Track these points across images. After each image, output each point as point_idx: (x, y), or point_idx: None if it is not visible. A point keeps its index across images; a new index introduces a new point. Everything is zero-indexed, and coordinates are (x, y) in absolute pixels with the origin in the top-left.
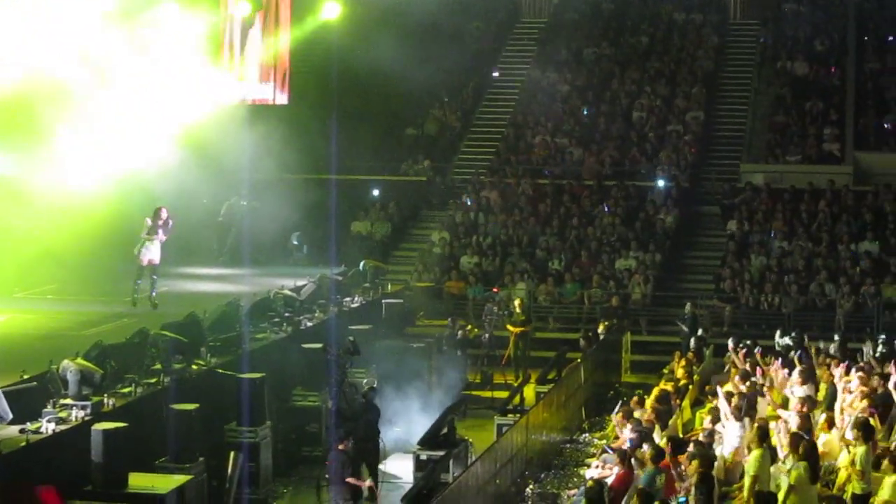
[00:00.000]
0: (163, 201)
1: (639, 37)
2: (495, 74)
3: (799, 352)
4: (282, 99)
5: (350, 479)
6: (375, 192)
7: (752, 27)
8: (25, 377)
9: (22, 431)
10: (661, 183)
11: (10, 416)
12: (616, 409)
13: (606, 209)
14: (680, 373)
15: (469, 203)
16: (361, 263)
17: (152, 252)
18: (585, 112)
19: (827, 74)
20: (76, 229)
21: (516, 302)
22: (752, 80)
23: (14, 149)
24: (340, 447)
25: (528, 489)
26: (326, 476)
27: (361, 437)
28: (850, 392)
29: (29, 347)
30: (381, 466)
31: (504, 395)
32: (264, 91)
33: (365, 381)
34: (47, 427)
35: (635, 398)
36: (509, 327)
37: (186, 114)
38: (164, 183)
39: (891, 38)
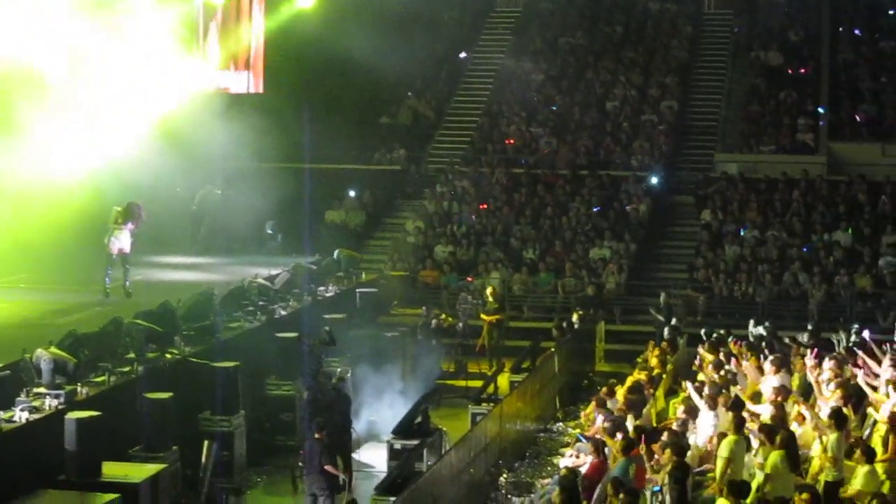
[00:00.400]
0: (137, 191)
1: (613, 26)
2: (463, 55)
3: (772, 342)
4: (256, 87)
5: (328, 467)
6: (351, 190)
7: (727, 17)
8: (1, 366)
9: None
10: (633, 174)
11: None
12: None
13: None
14: (654, 362)
15: (443, 191)
16: (336, 252)
17: (122, 241)
18: (555, 108)
19: (801, 65)
20: (50, 219)
21: (489, 290)
22: (727, 70)
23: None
24: (317, 436)
25: (502, 478)
26: (301, 465)
27: (334, 427)
28: (823, 382)
29: (2, 336)
30: (354, 455)
31: (478, 384)
32: (239, 80)
33: (339, 369)
34: (20, 416)
35: (605, 388)
36: (483, 316)
37: (161, 103)
38: (139, 172)
39: (857, 32)
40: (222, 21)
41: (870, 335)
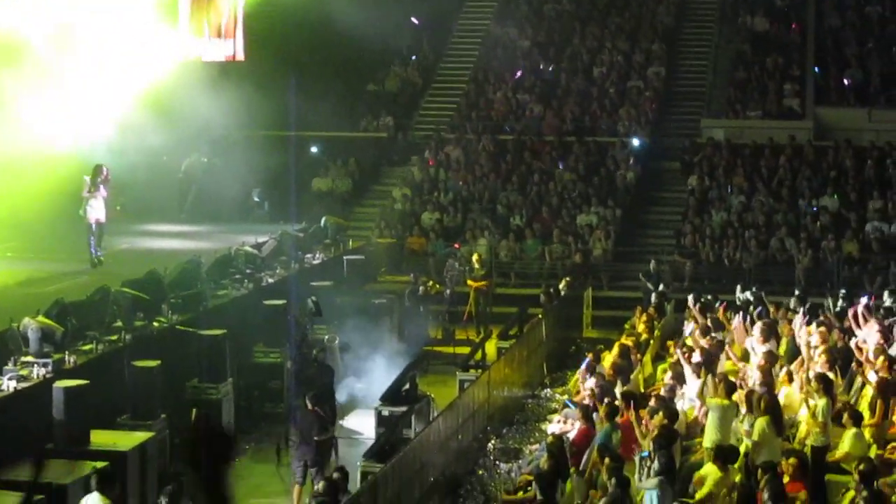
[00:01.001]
0: (124, 160)
1: None
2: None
3: (759, 307)
4: (239, 55)
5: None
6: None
7: None
8: None
9: None
10: (620, 140)
11: None
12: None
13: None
14: (641, 328)
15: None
16: (323, 220)
17: (97, 210)
18: (548, 75)
19: (787, 30)
20: (38, 189)
21: (475, 257)
22: (713, 36)
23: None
24: (310, 409)
25: (490, 444)
26: (290, 438)
27: (322, 400)
28: (811, 347)
29: None
30: (341, 422)
31: (466, 350)
32: (223, 48)
33: (325, 337)
34: (8, 385)
35: (592, 354)
36: (469, 282)
37: (146, 73)
38: (125, 142)
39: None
40: None
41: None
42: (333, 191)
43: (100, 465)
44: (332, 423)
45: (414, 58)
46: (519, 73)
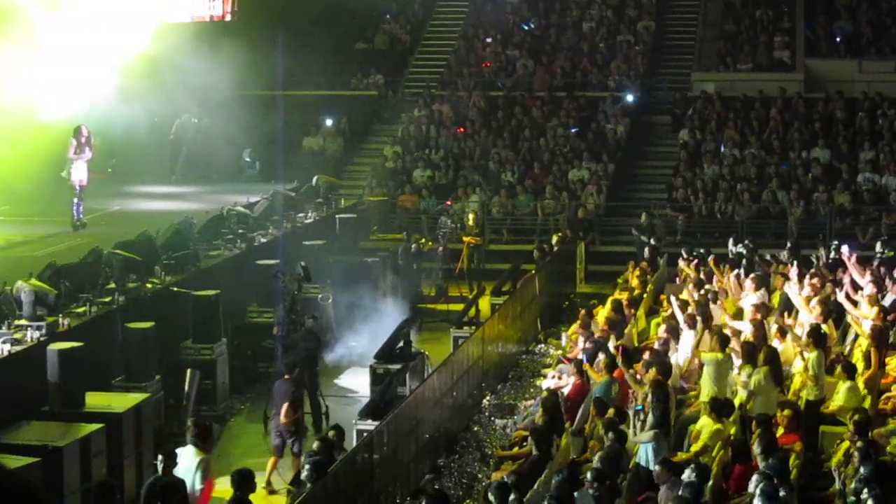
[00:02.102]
0: (115, 122)
1: None
2: None
3: (752, 259)
4: (228, 15)
5: (284, 410)
6: (327, 119)
7: None
8: None
9: None
10: (611, 94)
11: None
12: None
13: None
14: (634, 282)
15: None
16: (314, 179)
17: (81, 172)
18: (530, 26)
19: None
20: (31, 154)
21: (470, 215)
22: None
23: None
24: (286, 377)
25: (484, 400)
26: (271, 408)
27: (298, 365)
28: (806, 300)
29: None
30: (337, 381)
31: (459, 307)
32: (211, 8)
33: (319, 296)
34: (3, 348)
35: (586, 309)
36: (465, 239)
37: (135, 35)
38: (116, 105)
39: None
40: None
41: (849, 250)
42: (324, 150)
43: (95, 427)
44: (315, 392)
45: (400, 15)
46: (506, 31)
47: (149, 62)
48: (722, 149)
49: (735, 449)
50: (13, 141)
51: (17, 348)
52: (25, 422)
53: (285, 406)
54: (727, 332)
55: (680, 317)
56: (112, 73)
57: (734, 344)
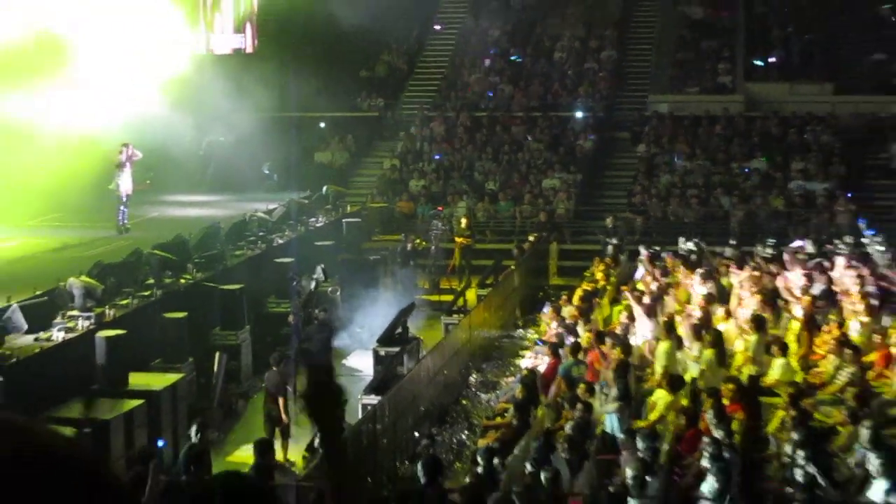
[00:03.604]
0: (153, 140)
1: None
2: (437, 28)
3: (700, 255)
4: (251, 48)
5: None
6: (322, 125)
7: None
8: (37, 293)
9: (36, 340)
10: (578, 114)
11: (26, 326)
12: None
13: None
14: (599, 275)
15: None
16: (324, 188)
17: (126, 184)
18: (513, 58)
19: (720, 16)
20: (79, 166)
21: (463, 220)
22: (657, 23)
23: (26, 95)
24: (274, 369)
25: (471, 378)
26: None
27: (314, 354)
28: (747, 289)
29: (39, 267)
30: (345, 362)
31: (449, 298)
32: (236, 41)
33: (329, 289)
34: (57, 335)
35: (563, 298)
36: (457, 239)
37: (170, 65)
38: (153, 125)
39: None
40: None
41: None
42: (333, 163)
43: (137, 402)
44: (326, 377)
45: (397, 47)
46: (488, 60)
47: (182, 88)
48: (674, 160)
49: (687, 417)
50: (64, 157)
51: (70, 335)
52: (77, 399)
53: (282, 400)
54: (678, 318)
55: (636, 306)
56: (150, 98)
57: (684, 328)
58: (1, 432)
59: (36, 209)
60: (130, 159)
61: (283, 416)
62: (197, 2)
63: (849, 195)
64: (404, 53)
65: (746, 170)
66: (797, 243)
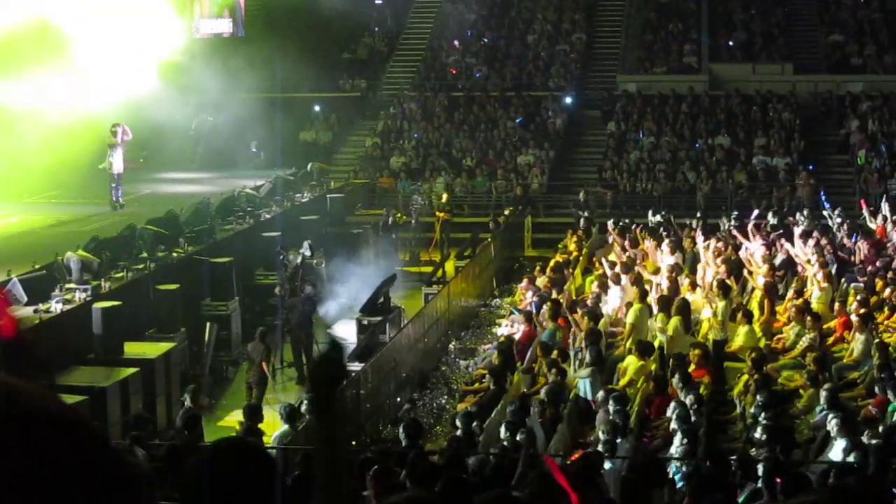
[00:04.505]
0: (145, 121)
1: None
2: (412, 9)
3: (668, 227)
4: (239, 32)
5: (263, 364)
6: (317, 108)
7: None
8: (36, 266)
9: (35, 311)
10: (568, 100)
11: (25, 298)
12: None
13: (518, 121)
14: (572, 247)
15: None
16: (309, 165)
17: (119, 162)
18: (486, 39)
19: (685, 0)
20: (74, 145)
21: (444, 195)
22: (625, 6)
23: (25, 79)
24: (257, 340)
25: (450, 345)
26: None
27: (296, 325)
28: (712, 259)
29: (38, 242)
30: (329, 330)
31: (429, 269)
32: (223, 26)
33: (315, 262)
34: (56, 307)
35: (537, 269)
36: (438, 214)
37: (160, 47)
38: (146, 106)
39: None
40: None
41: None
42: (317, 141)
43: (132, 370)
44: (310, 347)
45: (377, 30)
46: (464, 42)
47: (173, 71)
48: (641, 136)
49: (656, 382)
50: (60, 137)
51: (68, 307)
52: (74, 367)
53: (263, 364)
54: (647, 287)
55: (609, 274)
56: (143, 80)
57: (653, 297)
58: None
59: (35, 187)
60: (123, 139)
61: (270, 378)
62: None
63: (810, 167)
64: (384, 36)
65: (711, 146)
66: (759, 216)
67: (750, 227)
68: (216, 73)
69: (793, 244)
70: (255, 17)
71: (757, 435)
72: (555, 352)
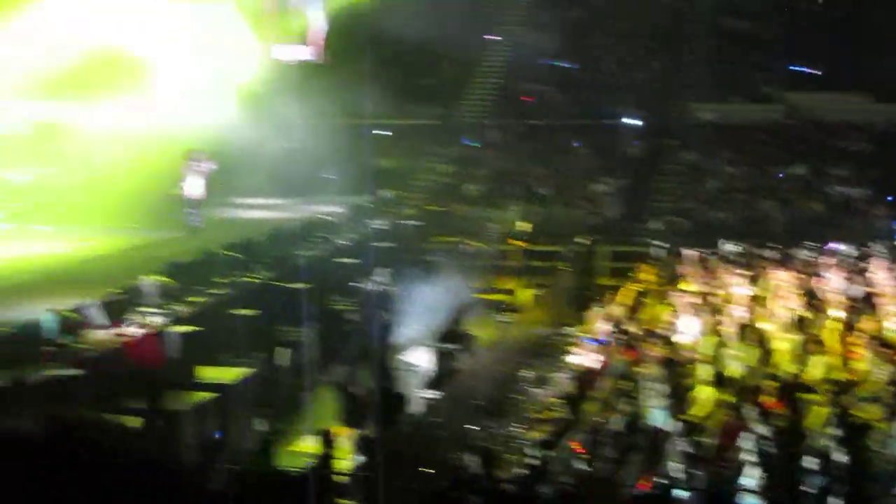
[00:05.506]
0: (226, 146)
1: (608, 1)
2: (491, 38)
3: (744, 257)
4: (318, 58)
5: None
6: (393, 134)
7: None
8: (115, 291)
9: (113, 335)
10: (643, 128)
11: (104, 322)
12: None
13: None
14: (646, 276)
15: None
16: (385, 192)
17: (196, 186)
18: (562, 65)
19: (763, 29)
20: (153, 170)
21: (520, 223)
22: (702, 35)
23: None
24: (344, 363)
25: (523, 373)
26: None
27: (371, 352)
28: (787, 290)
29: (118, 266)
30: (403, 357)
31: (503, 297)
32: (304, 52)
33: (389, 288)
34: (133, 331)
35: (611, 298)
36: (513, 241)
37: (240, 72)
38: (224, 129)
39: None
40: (292, 3)
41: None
42: (393, 167)
43: (208, 395)
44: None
45: (452, 58)
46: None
47: (251, 95)
48: (718, 166)
49: (730, 412)
50: (138, 161)
51: (145, 331)
52: (151, 391)
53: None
54: (722, 316)
55: (682, 305)
56: (220, 104)
57: (728, 327)
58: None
59: (113, 211)
60: (199, 164)
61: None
62: (267, 12)
63: (888, 198)
64: (462, 64)
65: (788, 175)
66: (835, 246)
67: (826, 257)
68: (293, 99)
69: (869, 275)
70: (333, 44)
71: (832, 468)
72: (629, 381)
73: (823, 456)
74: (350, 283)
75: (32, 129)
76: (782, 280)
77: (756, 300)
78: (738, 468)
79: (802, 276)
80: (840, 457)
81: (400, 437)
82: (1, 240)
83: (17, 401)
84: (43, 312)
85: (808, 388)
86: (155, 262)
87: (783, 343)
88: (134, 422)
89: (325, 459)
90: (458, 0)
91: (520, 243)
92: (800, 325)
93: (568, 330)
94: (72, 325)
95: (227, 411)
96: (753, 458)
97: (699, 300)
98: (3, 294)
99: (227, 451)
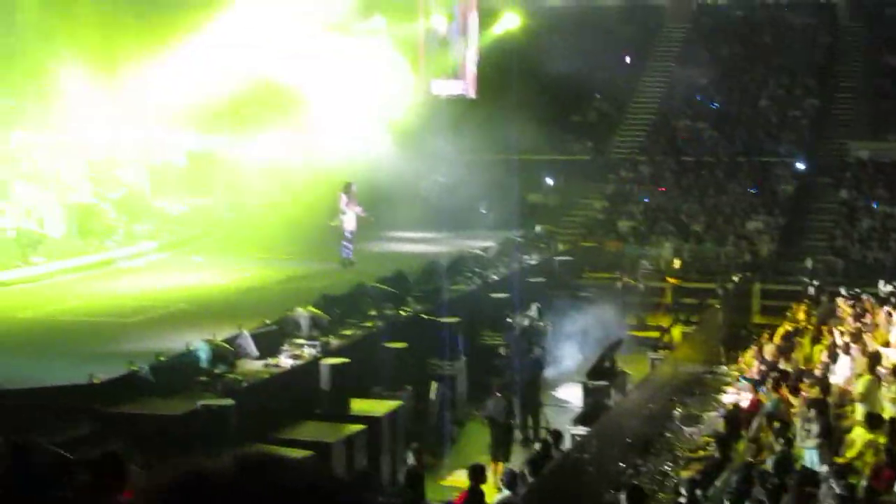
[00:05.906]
0: (376, 180)
1: (763, 37)
2: (627, 59)
3: None
4: (471, 93)
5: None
6: (546, 170)
7: (858, 28)
8: (267, 322)
9: (265, 366)
10: (799, 166)
11: (257, 353)
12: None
13: (754, 190)
14: (801, 315)
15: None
16: (537, 227)
17: (350, 220)
18: (715, 105)
19: None
20: (306, 204)
21: (674, 260)
22: (859, 72)
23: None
24: (498, 395)
25: (675, 411)
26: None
27: (522, 387)
28: None
29: (269, 298)
30: (553, 393)
31: (656, 335)
32: (457, 87)
33: (541, 323)
34: (285, 362)
35: (765, 337)
36: (668, 279)
37: (393, 109)
38: (377, 165)
39: None
40: (443, 39)
41: None
42: (546, 203)
43: (358, 427)
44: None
45: (599, 95)
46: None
47: (404, 129)
48: (874, 205)
49: (885, 455)
50: (292, 194)
51: (297, 362)
52: (302, 421)
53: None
54: (878, 357)
55: (839, 343)
56: (376, 139)
57: (884, 368)
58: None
59: (267, 243)
60: (354, 198)
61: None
62: (421, 49)
63: None
64: (614, 99)
65: None
66: None
67: None
68: (446, 134)
69: None
70: (485, 79)
71: None
72: (782, 421)
73: None
74: (501, 318)
75: (189, 161)
76: None
77: None
78: None
79: None
80: None
81: (548, 473)
82: (156, 269)
83: (181, 430)
84: (197, 342)
85: None
86: (308, 294)
87: None
88: (295, 454)
89: (474, 494)
90: (612, 36)
91: (673, 280)
92: None
93: (720, 368)
94: (225, 355)
95: (377, 444)
96: None
97: (853, 340)
98: (157, 324)
99: (377, 484)
